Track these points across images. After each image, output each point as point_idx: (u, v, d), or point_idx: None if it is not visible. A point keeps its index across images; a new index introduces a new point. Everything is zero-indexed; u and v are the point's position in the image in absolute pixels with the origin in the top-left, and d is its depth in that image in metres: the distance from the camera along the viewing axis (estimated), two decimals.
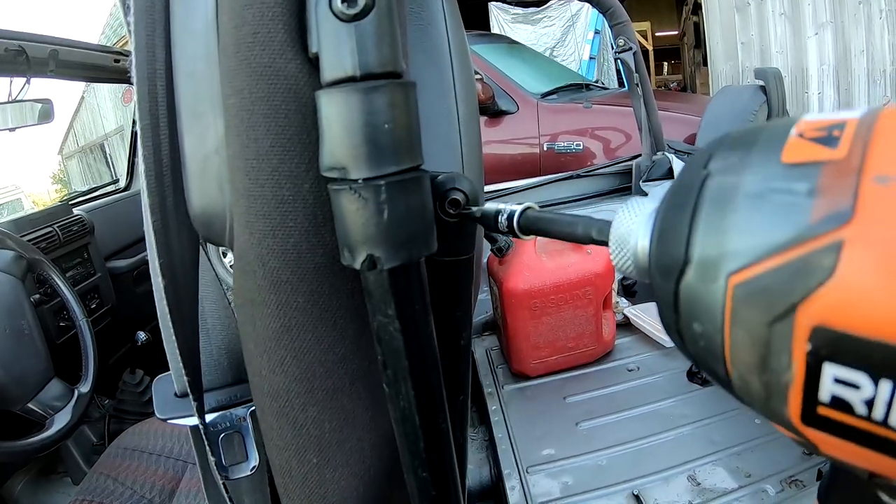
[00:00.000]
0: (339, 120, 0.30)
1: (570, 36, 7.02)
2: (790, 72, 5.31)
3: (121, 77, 2.41)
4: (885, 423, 0.19)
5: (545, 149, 3.58)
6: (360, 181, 0.30)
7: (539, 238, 1.50)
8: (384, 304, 0.33)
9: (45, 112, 2.26)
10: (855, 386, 0.20)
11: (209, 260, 0.55)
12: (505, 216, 0.37)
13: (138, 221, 2.03)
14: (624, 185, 2.12)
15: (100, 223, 2.34)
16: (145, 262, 2.37)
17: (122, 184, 2.90)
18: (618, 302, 1.74)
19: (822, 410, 0.21)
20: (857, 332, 0.19)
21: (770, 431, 1.19)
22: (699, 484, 1.09)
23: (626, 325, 1.71)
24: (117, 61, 2.31)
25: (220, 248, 0.56)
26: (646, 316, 1.67)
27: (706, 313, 0.23)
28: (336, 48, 0.30)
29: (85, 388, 1.68)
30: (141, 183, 0.39)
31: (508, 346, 1.52)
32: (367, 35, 0.30)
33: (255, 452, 0.58)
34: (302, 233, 0.36)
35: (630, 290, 1.93)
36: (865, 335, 0.19)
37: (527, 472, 1.18)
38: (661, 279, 0.25)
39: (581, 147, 3.47)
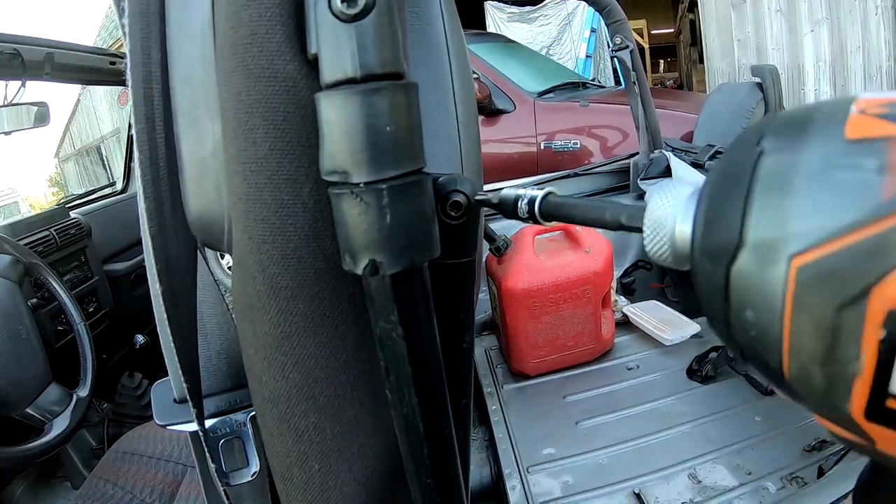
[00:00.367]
0: (339, 123, 0.30)
1: (566, 34, 7.01)
2: (786, 69, 5.31)
3: (117, 79, 2.40)
4: None
5: (542, 147, 3.58)
6: (361, 185, 0.30)
7: (537, 237, 1.50)
8: (387, 311, 0.33)
9: (41, 115, 2.25)
10: None
11: (207, 263, 0.55)
12: (525, 202, 0.37)
13: (135, 224, 2.02)
14: (621, 184, 2.12)
15: (97, 226, 2.33)
16: (143, 265, 2.35)
17: (119, 186, 2.89)
18: (617, 300, 1.73)
19: (891, 403, 0.20)
20: None
21: (770, 428, 1.19)
22: (700, 482, 1.09)
23: (625, 324, 1.71)
24: (113, 63, 2.30)
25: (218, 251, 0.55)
26: (645, 314, 1.67)
27: (762, 299, 0.22)
28: (336, 49, 0.30)
29: (83, 392, 1.67)
30: (137, 188, 0.38)
31: (508, 346, 1.52)
32: (368, 35, 0.29)
33: (256, 458, 0.57)
34: (302, 238, 0.36)
35: (629, 289, 1.93)
36: None
37: (527, 472, 1.17)
38: (708, 264, 0.24)
39: (578, 145, 3.46)
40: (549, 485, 1.14)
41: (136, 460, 1.41)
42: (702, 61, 6.79)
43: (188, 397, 0.42)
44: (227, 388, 0.59)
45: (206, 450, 0.50)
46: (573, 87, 4.10)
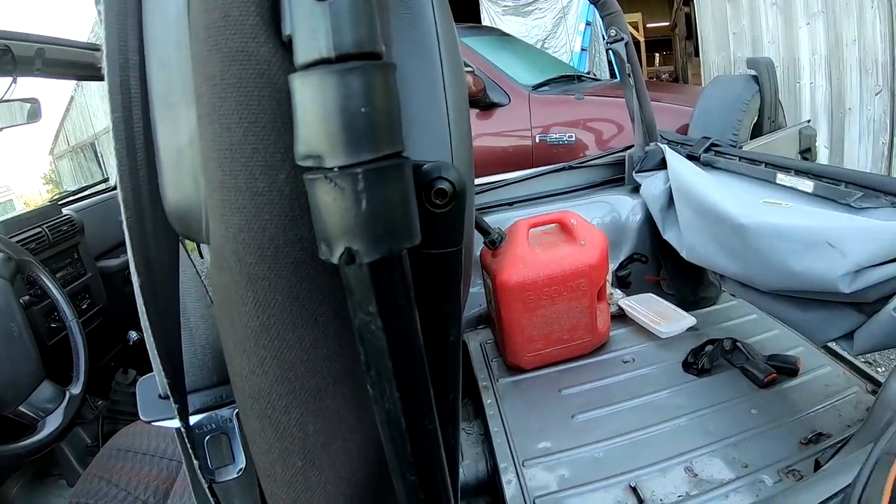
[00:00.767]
0: (313, 104, 0.28)
1: (561, 28, 6.99)
2: (782, 61, 5.30)
3: None
4: None
5: (537, 141, 3.57)
6: (335, 169, 0.29)
7: (532, 230, 1.50)
8: (365, 301, 0.31)
9: (33, 111, 2.24)
10: None
11: (189, 256, 0.54)
12: None
13: None
14: (616, 177, 2.11)
15: (89, 223, 2.32)
16: None
17: (112, 182, 2.87)
18: (612, 294, 1.73)
19: None
20: None
21: (766, 421, 1.18)
22: (696, 475, 1.08)
23: (620, 317, 1.71)
24: None
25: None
26: (640, 307, 1.67)
27: None
28: (310, 29, 0.28)
29: (76, 389, 1.66)
30: (115, 179, 0.37)
31: (503, 339, 1.52)
32: (343, 14, 0.28)
33: (243, 455, 0.56)
34: (278, 226, 0.35)
35: (624, 282, 1.92)
36: None
37: (523, 466, 1.17)
38: None
39: (573, 139, 3.45)
40: (545, 478, 1.13)
41: (131, 457, 1.40)
42: (697, 55, 6.77)
43: (169, 392, 0.41)
44: (213, 384, 0.58)
45: (190, 446, 0.49)
46: (568, 80, 4.08)
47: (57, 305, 1.76)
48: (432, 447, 0.37)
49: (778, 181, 1.48)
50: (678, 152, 1.86)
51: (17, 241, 1.86)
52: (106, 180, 3.19)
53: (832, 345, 1.39)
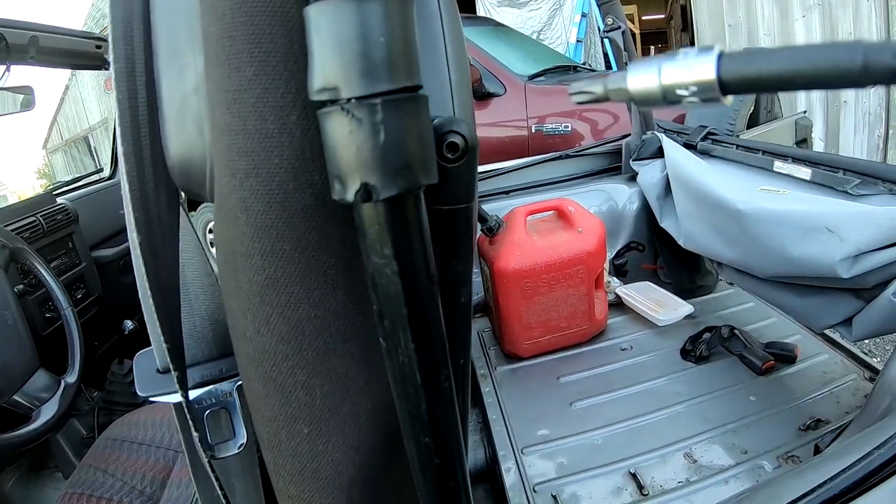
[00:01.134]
0: (329, 34, 0.27)
1: (556, 19, 6.96)
2: None
3: (102, 64, 2.36)
4: None
5: (533, 131, 3.56)
6: (352, 100, 0.27)
7: (530, 217, 1.49)
8: (379, 243, 0.30)
9: (27, 101, 2.22)
10: None
11: (190, 223, 0.53)
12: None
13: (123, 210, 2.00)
14: (613, 165, 2.11)
15: (84, 212, 2.30)
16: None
17: (107, 173, 2.85)
18: (609, 281, 1.73)
19: None
20: None
21: (765, 408, 1.18)
22: (696, 461, 1.08)
23: (618, 305, 1.71)
24: (99, 47, 2.26)
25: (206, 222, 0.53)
26: (638, 295, 1.67)
27: None
28: None
29: (71, 378, 1.65)
30: (116, 132, 0.36)
31: (500, 327, 1.51)
32: None
33: (243, 430, 0.55)
34: (288, 171, 0.33)
35: (621, 270, 1.92)
36: None
37: (522, 454, 1.17)
38: None
39: (569, 129, 3.45)
40: (543, 466, 1.13)
41: (127, 447, 1.40)
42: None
43: (169, 360, 0.40)
44: (213, 357, 0.57)
45: (190, 420, 0.48)
46: (564, 70, 4.07)
47: (51, 294, 1.75)
48: (447, 407, 0.35)
49: (775, 169, 1.48)
50: (675, 141, 1.86)
51: (12, 230, 1.84)
52: (100, 170, 3.16)
53: (830, 333, 1.39)
